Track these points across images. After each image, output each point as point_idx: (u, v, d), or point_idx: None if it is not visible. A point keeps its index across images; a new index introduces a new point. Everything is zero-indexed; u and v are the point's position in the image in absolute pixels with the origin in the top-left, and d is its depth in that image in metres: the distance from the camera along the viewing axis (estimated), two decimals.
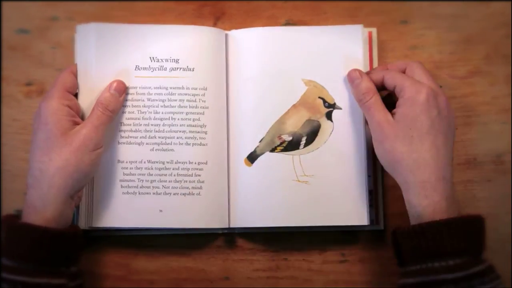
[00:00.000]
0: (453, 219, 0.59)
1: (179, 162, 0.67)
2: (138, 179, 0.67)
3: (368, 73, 0.68)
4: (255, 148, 0.70)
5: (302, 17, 0.74)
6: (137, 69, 0.68)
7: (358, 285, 0.72)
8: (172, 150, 0.67)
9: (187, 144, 0.67)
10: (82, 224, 0.67)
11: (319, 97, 0.70)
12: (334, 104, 0.70)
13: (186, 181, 0.67)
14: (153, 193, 0.67)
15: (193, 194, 0.67)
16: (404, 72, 0.67)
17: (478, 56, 0.74)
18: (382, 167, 0.71)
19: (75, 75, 0.67)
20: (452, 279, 0.57)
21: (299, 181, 0.69)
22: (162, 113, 0.68)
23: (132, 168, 0.67)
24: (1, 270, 0.57)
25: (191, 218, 0.68)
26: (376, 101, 0.65)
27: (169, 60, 0.68)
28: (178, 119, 0.67)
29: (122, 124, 0.68)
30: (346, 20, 0.74)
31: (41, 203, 0.60)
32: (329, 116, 0.70)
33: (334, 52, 0.70)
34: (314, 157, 0.69)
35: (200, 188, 0.68)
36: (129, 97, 0.68)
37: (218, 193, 0.69)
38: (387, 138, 0.63)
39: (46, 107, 0.63)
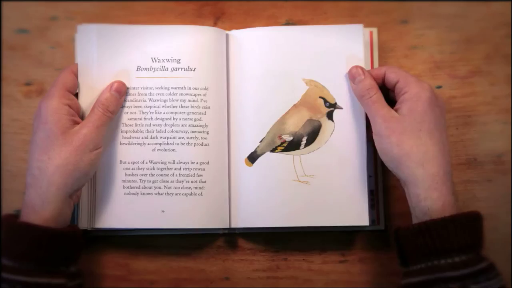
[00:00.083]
0: (459, 216, 0.59)
1: (181, 162, 0.67)
2: (140, 179, 0.67)
3: (369, 71, 0.68)
4: (256, 148, 0.69)
5: (302, 17, 0.74)
6: (138, 69, 0.68)
7: (358, 285, 0.72)
8: (174, 150, 0.67)
9: (189, 144, 0.67)
10: (84, 224, 0.67)
11: (320, 97, 0.69)
12: (335, 104, 0.69)
13: (188, 182, 0.67)
14: (155, 194, 0.67)
15: (195, 194, 0.67)
16: (384, 77, 0.67)
17: (478, 56, 0.74)
18: (383, 167, 0.71)
19: (75, 74, 0.67)
20: (458, 276, 0.57)
21: (299, 181, 0.69)
22: (164, 113, 0.67)
23: (134, 169, 0.67)
24: (1, 270, 0.57)
25: (193, 218, 0.67)
26: (379, 97, 0.65)
27: (170, 60, 0.68)
28: (180, 119, 0.67)
29: (123, 124, 0.67)
30: (346, 20, 0.74)
31: (40, 202, 0.60)
32: (330, 116, 0.69)
33: (335, 52, 0.69)
34: (315, 157, 0.69)
35: (202, 188, 0.67)
36: (131, 97, 0.68)
37: (220, 193, 0.69)
38: (394, 132, 0.62)
39: (46, 106, 0.62)
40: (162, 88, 0.68)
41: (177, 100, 0.68)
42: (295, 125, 0.69)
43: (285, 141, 0.69)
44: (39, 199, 0.60)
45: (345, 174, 0.69)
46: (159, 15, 0.74)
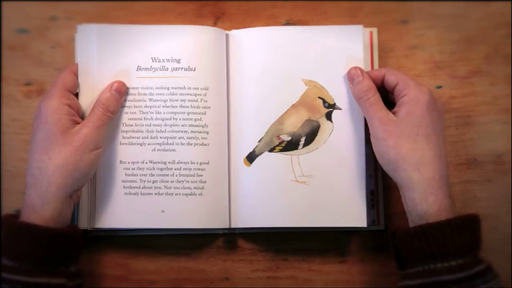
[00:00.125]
0: (455, 219, 0.59)
1: (181, 162, 0.67)
2: (140, 179, 0.67)
3: (368, 72, 0.68)
4: (254, 148, 0.69)
5: (302, 17, 0.74)
6: (138, 69, 0.68)
7: (358, 285, 0.72)
8: (174, 150, 0.67)
9: (189, 144, 0.67)
10: (84, 224, 0.67)
11: (319, 97, 0.69)
12: (334, 104, 0.69)
13: (188, 182, 0.67)
14: (155, 194, 0.67)
15: (195, 194, 0.67)
16: (383, 78, 0.67)
17: (478, 56, 0.74)
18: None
19: (75, 74, 0.67)
20: (454, 279, 0.57)
21: (297, 181, 0.69)
22: (164, 113, 0.67)
23: (134, 169, 0.67)
24: (0, 270, 0.57)
25: (193, 218, 0.67)
26: (377, 99, 0.65)
27: (170, 60, 0.68)
28: (180, 119, 0.67)
29: (123, 124, 0.67)
30: (346, 20, 0.74)
31: (40, 202, 0.60)
32: (329, 116, 0.69)
33: (335, 52, 0.69)
34: (313, 158, 0.69)
35: (202, 188, 0.67)
36: (131, 97, 0.68)
37: (220, 194, 0.69)
38: (392, 135, 0.62)
39: (46, 106, 0.62)
40: (162, 88, 0.68)
41: (177, 100, 0.68)
42: (293, 125, 0.69)
43: (283, 141, 0.69)
44: (39, 199, 0.60)
45: (343, 175, 0.68)
46: (159, 15, 0.74)
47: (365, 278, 0.72)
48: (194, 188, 0.67)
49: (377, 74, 0.67)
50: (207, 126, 0.68)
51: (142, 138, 0.67)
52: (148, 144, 0.67)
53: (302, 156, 0.69)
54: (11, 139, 0.72)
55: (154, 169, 0.67)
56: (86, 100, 0.67)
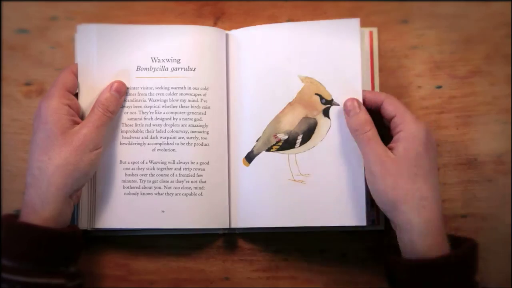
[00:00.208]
0: (450, 258, 0.59)
1: (181, 162, 0.67)
2: (140, 179, 0.67)
3: (366, 93, 0.67)
4: (252, 147, 0.69)
5: (302, 17, 0.74)
6: (138, 69, 0.68)
7: (358, 285, 0.72)
8: (174, 150, 0.67)
9: (189, 144, 0.67)
10: (84, 225, 0.67)
11: (316, 94, 0.68)
12: (332, 100, 0.68)
13: (188, 182, 0.67)
14: (155, 194, 0.67)
15: (195, 194, 0.67)
16: (380, 104, 0.66)
17: (478, 56, 0.74)
18: None
19: (75, 74, 0.67)
20: None
21: (294, 180, 0.68)
22: (164, 113, 0.67)
23: (134, 169, 0.67)
24: (0, 271, 0.57)
25: (193, 218, 0.67)
26: (374, 133, 0.63)
27: (170, 60, 0.68)
28: (180, 119, 0.67)
29: (123, 124, 0.67)
30: None
31: (40, 202, 0.60)
32: (326, 113, 0.68)
33: (331, 47, 0.68)
34: (310, 156, 0.68)
35: (202, 188, 0.67)
36: (131, 97, 0.68)
37: (220, 194, 0.69)
38: (390, 174, 0.61)
39: (46, 106, 0.62)
40: (162, 88, 0.68)
41: (177, 100, 0.68)
42: (290, 123, 0.69)
43: (280, 140, 0.69)
44: (39, 199, 0.60)
45: (341, 173, 0.67)
46: (159, 15, 0.74)
47: (365, 278, 0.72)
48: (194, 188, 0.67)
49: (376, 98, 0.66)
50: (207, 126, 0.68)
51: (142, 138, 0.67)
52: (148, 144, 0.67)
53: (299, 154, 0.68)
54: (11, 139, 0.72)
55: (154, 169, 0.67)
56: (86, 100, 0.67)
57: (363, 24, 0.71)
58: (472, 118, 0.73)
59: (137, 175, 0.67)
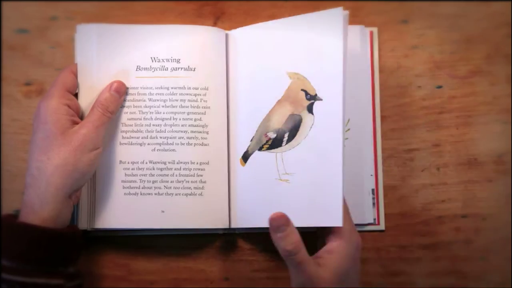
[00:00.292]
0: None
1: (181, 163, 0.67)
2: (140, 179, 0.67)
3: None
4: (247, 147, 0.69)
5: None
6: (138, 69, 0.68)
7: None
8: (173, 150, 0.67)
9: (189, 144, 0.67)
10: (84, 225, 0.67)
11: (302, 90, 0.66)
12: (316, 95, 0.65)
13: (188, 182, 0.67)
14: (155, 194, 0.67)
15: (195, 194, 0.67)
16: None
17: (478, 56, 0.74)
18: (383, 167, 0.71)
19: (75, 74, 0.67)
20: None
21: (281, 179, 0.66)
22: (164, 113, 0.67)
23: (134, 169, 0.67)
24: (0, 271, 0.57)
25: (193, 218, 0.67)
26: (305, 254, 0.60)
27: (170, 60, 0.68)
28: (180, 119, 0.67)
29: (123, 124, 0.67)
30: None
31: (39, 202, 0.60)
32: (310, 108, 0.65)
33: (315, 40, 0.65)
34: (295, 154, 0.66)
35: (202, 188, 0.67)
36: (130, 97, 0.68)
37: (220, 193, 0.69)
38: None
39: (46, 106, 0.62)
40: (161, 88, 0.68)
41: (177, 100, 0.68)
42: (278, 121, 0.67)
43: (269, 139, 0.68)
44: (38, 200, 0.60)
45: (320, 172, 0.64)
46: (159, 15, 0.74)
47: (365, 278, 0.72)
48: (194, 188, 0.67)
49: None
50: (207, 126, 0.68)
51: (142, 138, 0.67)
52: (148, 144, 0.67)
53: (286, 153, 0.66)
54: (11, 139, 0.72)
55: (154, 169, 0.67)
56: (86, 100, 0.67)
57: (364, 24, 0.71)
58: (472, 118, 0.73)
59: (137, 175, 0.67)
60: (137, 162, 0.67)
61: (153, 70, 0.68)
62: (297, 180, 0.65)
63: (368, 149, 0.71)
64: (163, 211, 0.67)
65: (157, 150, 0.67)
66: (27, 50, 0.73)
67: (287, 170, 0.66)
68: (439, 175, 0.72)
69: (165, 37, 0.68)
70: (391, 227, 0.72)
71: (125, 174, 0.67)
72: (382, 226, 0.71)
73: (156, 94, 0.67)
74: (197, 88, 0.68)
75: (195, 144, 0.67)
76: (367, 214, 0.70)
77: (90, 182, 0.67)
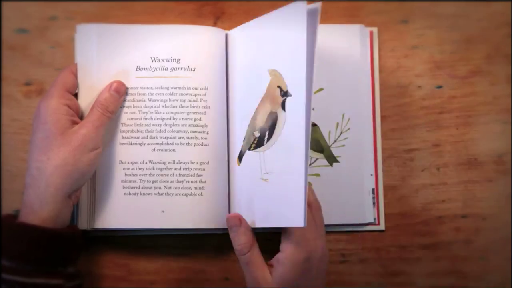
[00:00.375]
0: None
1: (181, 162, 0.67)
2: (140, 179, 0.67)
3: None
4: (241, 146, 0.68)
5: None
6: (138, 69, 0.68)
7: (358, 285, 0.72)
8: (173, 150, 0.67)
9: (189, 144, 0.67)
10: (84, 225, 0.67)
11: (278, 86, 0.64)
12: (287, 91, 0.62)
13: (188, 182, 0.67)
14: (155, 194, 0.67)
15: (195, 194, 0.67)
16: None
17: (479, 56, 0.74)
18: (383, 167, 0.71)
19: (74, 74, 0.67)
20: None
21: (263, 179, 0.65)
22: (164, 113, 0.67)
23: (134, 169, 0.67)
24: (0, 271, 0.57)
25: (193, 218, 0.67)
26: (254, 255, 0.63)
27: (170, 60, 0.68)
28: (180, 119, 0.67)
29: (123, 124, 0.67)
30: (346, 20, 0.74)
31: (38, 202, 0.60)
32: (283, 105, 0.63)
33: (286, 35, 0.62)
34: (272, 153, 0.64)
35: (202, 188, 0.67)
36: (130, 97, 0.68)
37: (220, 193, 0.69)
38: None
39: (45, 106, 0.62)
40: (161, 88, 0.68)
41: (176, 100, 0.67)
42: (261, 120, 0.66)
43: (255, 138, 0.66)
44: (38, 200, 0.60)
45: (289, 170, 0.62)
46: (159, 15, 0.74)
47: (365, 278, 0.72)
48: (194, 188, 0.67)
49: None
50: (206, 126, 0.68)
51: (142, 138, 0.67)
52: (148, 144, 0.67)
53: (266, 152, 0.65)
54: (11, 139, 0.72)
55: (153, 169, 0.67)
56: (85, 100, 0.67)
57: (364, 24, 0.71)
58: (472, 118, 0.73)
59: (137, 175, 0.67)
60: (137, 162, 0.67)
61: (153, 70, 0.68)
62: (273, 180, 0.64)
63: (368, 149, 0.71)
64: (163, 211, 0.67)
65: (157, 150, 0.67)
66: (27, 50, 0.73)
67: (267, 170, 0.65)
68: (439, 175, 0.72)
69: (165, 37, 0.68)
70: (391, 227, 0.72)
71: (125, 174, 0.67)
72: (382, 226, 0.71)
73: (156, 94, 0.67)
74: (197, 88, 0.68)
75: (195, 144, 0.67)
76: (367, 214, 0.70)
77: (90, 182, 0.67)
